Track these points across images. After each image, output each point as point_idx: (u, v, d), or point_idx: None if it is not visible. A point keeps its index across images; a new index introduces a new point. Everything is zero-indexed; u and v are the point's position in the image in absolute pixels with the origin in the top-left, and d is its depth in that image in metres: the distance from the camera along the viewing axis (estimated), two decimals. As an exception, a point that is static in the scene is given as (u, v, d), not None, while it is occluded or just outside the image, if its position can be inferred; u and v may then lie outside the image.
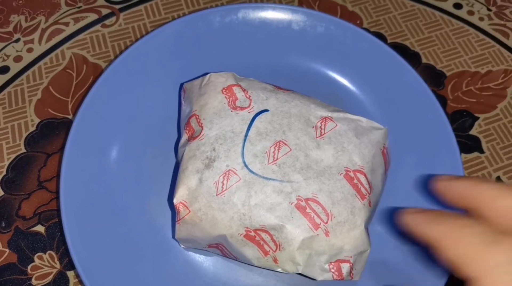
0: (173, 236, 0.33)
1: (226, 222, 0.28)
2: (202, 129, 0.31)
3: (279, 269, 0.29)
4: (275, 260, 0.29)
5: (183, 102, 0.35)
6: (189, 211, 0.29)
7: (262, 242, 0.28)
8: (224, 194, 0.28)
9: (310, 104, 0.32)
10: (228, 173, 0.29)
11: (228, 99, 0.31)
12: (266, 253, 0.29)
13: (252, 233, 0.28)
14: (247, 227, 0.28)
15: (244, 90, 0.32)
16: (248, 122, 0.30)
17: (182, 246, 0.33)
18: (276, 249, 0.28)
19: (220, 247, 0.30)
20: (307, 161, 0.29)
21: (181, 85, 0.39)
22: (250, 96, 0.32)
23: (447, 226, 0.22)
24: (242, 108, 0.31)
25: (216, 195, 0.28)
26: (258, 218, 0.28)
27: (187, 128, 0.32)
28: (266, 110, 0.31)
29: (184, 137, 0.32)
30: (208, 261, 0.33)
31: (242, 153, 0.29)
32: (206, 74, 0.33)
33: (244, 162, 0.29)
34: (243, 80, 0.33)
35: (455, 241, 0.21)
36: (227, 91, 0.32)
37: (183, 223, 0.29)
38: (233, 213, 0.28)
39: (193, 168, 0.29)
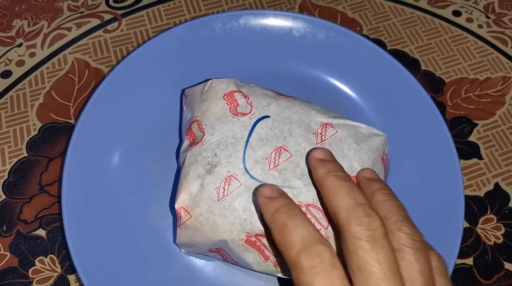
0: (174, 241, 0.34)
1: (227, 227, 0.28)
2: (203, 134, 0.31)
3: (279, 274, 0.29)
4: (276, 265, 0.29)
5: (184, 107, 0.35)
6: (190, 216, 0.29)
7: (262, 247, 0.29)
8: (225, 200, 0.29)
9: (310, 111, 0.32)
10: (229, 178, 0.29)
11: (230, 105, 0.32)
12: (266, 258, 0.29)
13: (253, 238, 0.28)
14: (248, 232, 0.28)
15: (245, 96, 0.32)
16: (249, 128, 0.31)
17: (183, 250, 0.33)
18: (277, 254, 0.29)
19: (221, 252, 0.30)
20: (308, 167, 0.30)
21: (183, 90, 0.39)
22: (251, 102, 0.32)
23: (283, 220, 0.24)
24: (243, 114, 0.31)
25: (217, 200, 0.29)
26: (258, 223, 0.28)
27: (189, 134, 0.32)
28: (267, 116, 0.31)
29: (186, 143, 0.32)
30: (208, 265, 0.33)
31: (243, 159, 0.30)
32: (207, 80, 0.33)
33: (245, 168, 0.29)
34: (244, 87, 0.33)
35: (282, 238, 0.24)
36: (228, 97, 0.32)
37: (184, 228, 0.29)
38: (234, 218, 0.28)
39: (194, 174, 0.30)
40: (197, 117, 0.32)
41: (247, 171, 0.29)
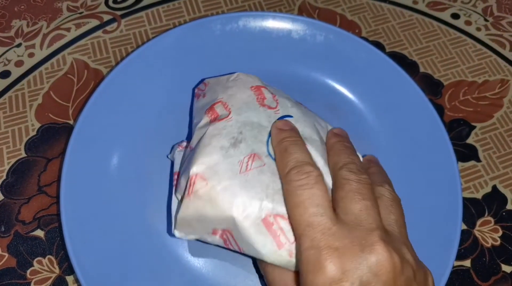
0: (175, 226, 0.30)
1: (246, 200, 0.27)
2: (230, 113, 0.30)
3: (291, 264, 0.27)
4: (290, 254, 0.27)
5: (201, 95, 0.34)
6: (207, 184, 0.27)
7: (279, 232, 0.27)
8: (248, 174, 0.27)
9: (321, 123, 0.34)
10: (253, 156, 0.28)
11: (257, 96, 0.32)
12: (281, 245, 0.27)
13: (271, 219, 0.27)
14: (267, 211, 0.27)
15: (271, 93, 0.33)
16: (274, 120, 0.31)
17: (176, 233, 0.29)
18: (294, 241, 0.27)
19: (225, 235, 0.28)
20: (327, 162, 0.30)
21: (193, 89, 0.39)
22: (277, 100, 0.32)
23: (286, 146, 0.29)
24: (269, 107, 0.31)
25: (239, 173, 0.27)
26: (281, 202, 0.27)
27: (210, 112, 0.31)
28: (291, 116, 0.31)
29: (205, 120, 0.31)
30: (207, 267, 0.33)
31: (267, 144, 0.29)
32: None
33: (268, 152, 0.29)
34: (269, 86, 0.34)
35: (281, 159, 0.28)
36: (256, 89, 0.32)
37: (195, 197, 0.27)
38: (255, 193, 0.27)
39: (217, 144, 0.28)
40: (222, 98, 0.31)
41: (270, 155, 0.29)
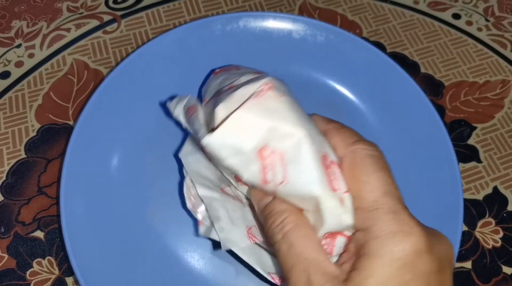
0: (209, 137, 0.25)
1: (313, 130, 0.26)
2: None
3: (337, 212, 0.24)
4: (342, 201, 0.24)
5: (223, 73, 0.33)
6: (280, 96, 0.25)
7: (332, 177, 0.25)
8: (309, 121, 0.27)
9: None
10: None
11: None
12: (333, 190, 0.24)
13: (328, 162, 0.25)
14: (327, 153, 0.25)
15: None
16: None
17: (213, 137, 0.24)
18: (347, 191, 0.25)
19: (272, 158, 0.24)
20: None
21: (211, 70, 0.38)
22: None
23: (338, 126, 0.28)
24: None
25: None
26: (335, 155, 0.26)
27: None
28: None
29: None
30: (207, 268, 0.33)
31: None
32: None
33: None
34: None
35: (340, 133, 0.27)
36: None
37: (266, 100, 0.25)
38: (318, 132, 0.26)
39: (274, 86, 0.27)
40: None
41: None
